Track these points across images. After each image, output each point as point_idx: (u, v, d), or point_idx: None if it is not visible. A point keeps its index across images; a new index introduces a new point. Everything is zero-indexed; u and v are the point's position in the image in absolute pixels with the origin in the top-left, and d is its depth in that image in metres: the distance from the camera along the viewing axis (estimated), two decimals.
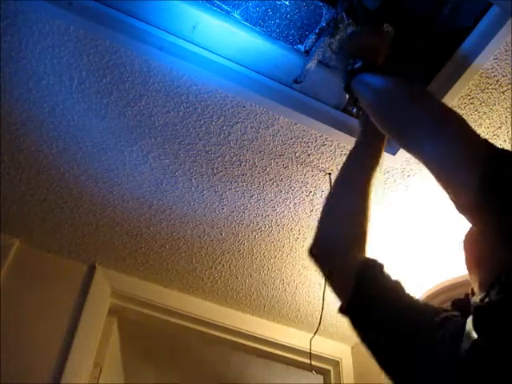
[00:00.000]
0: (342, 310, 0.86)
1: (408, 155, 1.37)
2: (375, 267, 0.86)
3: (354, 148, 1.11)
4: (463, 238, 0.89)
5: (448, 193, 0.73)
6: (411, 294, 0.83)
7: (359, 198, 0.99)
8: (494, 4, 1.08)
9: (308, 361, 1.88)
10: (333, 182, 1.13)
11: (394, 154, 1.36)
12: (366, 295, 0.82)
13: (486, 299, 0.70)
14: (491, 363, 0.63)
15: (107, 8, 1.16)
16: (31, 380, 1.55)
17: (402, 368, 0.75)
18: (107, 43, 1.19)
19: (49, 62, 1.24)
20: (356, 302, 0.83)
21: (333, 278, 0.92)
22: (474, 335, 0.65)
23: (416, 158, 0.81)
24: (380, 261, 0.88)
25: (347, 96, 1.06)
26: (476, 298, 0.77)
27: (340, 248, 0.92)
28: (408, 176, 1.44)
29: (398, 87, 0.89)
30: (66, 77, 1.27)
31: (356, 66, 0.97)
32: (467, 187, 0.68)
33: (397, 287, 0.84)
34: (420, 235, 1.61)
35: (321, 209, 1.06)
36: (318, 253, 0.96)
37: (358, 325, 0.84)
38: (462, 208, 0.71)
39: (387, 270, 0.86)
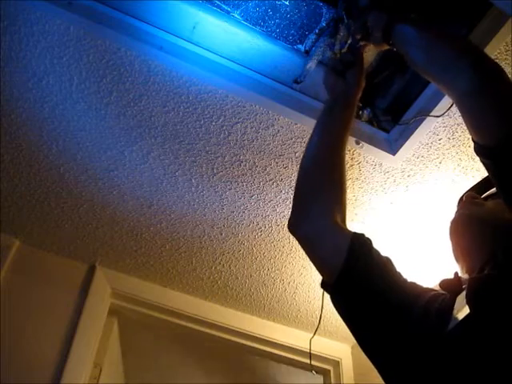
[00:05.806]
0: (326, 285, 0.85)
1: (408, 155, 1.37)
2: (365, 243, 0.85)
3: (327, 113, 1.06)
4: (448, 226, 0.89)
5: (472, 133, 0.73)
6: (400, 273, 0.83)
7: (334, 159, 0.97)
8: (494, 4, 1.08)
9: (308, 361, 1.88)
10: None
11: (394, 154, 1.36)
12: (357, 272, 0.81)
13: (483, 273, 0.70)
14: (478, 339, 0.63)
15: (107, 8, 1.16)
16: (31, 380, 1.55)
17: (388, 345, 0.75)
18: (107, 43, 1.19)
19: (49, 62, 1.24)
20: (346, 279, 0.81)
21: (316, 251, 0.90)
22: (466, 310, 0.66)
23: (447, 92, 0.80)
24: (367, 235, 0.87)
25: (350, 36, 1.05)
26: (471, 275, 0.77)
27: (321, 218, 0.90)
28: (408, 176, 1.44)
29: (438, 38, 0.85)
30: (66, 77, 1.27)
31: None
32: (497, 128, 0.68)
33: (387, 264, 0.84)
34: (420, 235, 1.61)
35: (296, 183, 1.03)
36: (298, 227, 0.95)
37: (343, 300, 0.83)
38: (484, 151, 0.70)
39: (375, 245, 0.86)
